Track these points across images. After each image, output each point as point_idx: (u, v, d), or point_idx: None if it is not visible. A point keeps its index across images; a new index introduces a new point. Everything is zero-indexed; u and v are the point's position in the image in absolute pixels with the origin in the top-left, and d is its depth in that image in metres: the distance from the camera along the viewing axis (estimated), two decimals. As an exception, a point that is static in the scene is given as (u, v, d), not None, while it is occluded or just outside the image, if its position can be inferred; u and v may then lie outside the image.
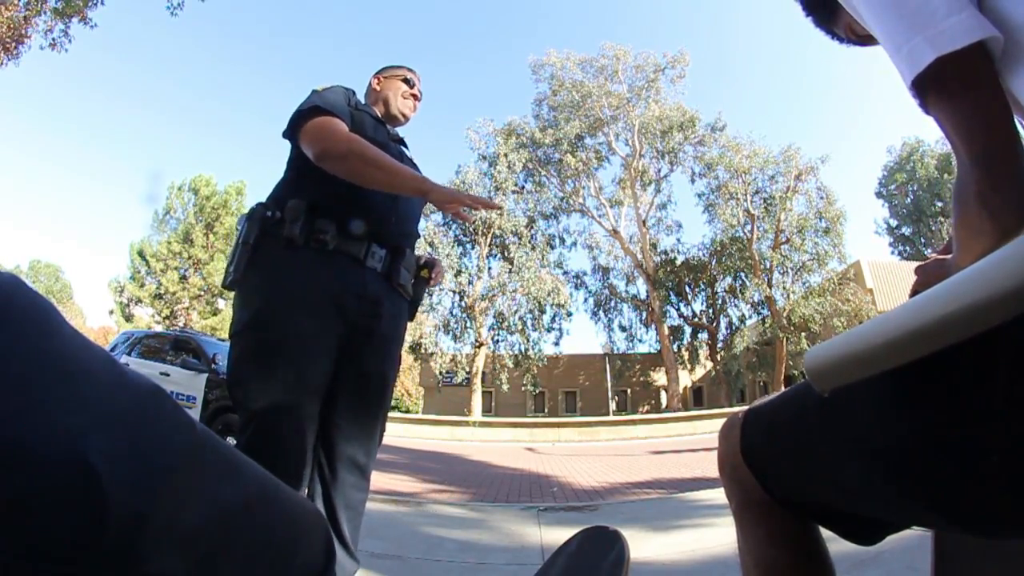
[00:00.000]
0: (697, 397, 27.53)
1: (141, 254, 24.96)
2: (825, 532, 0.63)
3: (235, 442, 1.12)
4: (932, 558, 0.68)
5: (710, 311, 23.52)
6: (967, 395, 0.43)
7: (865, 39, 0.73)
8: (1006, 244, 0.48)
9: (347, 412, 1.30)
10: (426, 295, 1.50)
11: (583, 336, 79.49)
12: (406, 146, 1.59)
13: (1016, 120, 0.51)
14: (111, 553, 0.26)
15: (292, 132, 1.30)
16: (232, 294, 1.28)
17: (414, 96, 1.56)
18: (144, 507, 0.27)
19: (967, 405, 0.43)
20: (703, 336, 23.64)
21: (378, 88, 1.56)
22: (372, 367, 1.32)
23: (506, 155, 21.83)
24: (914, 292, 0.64)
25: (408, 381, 28.61)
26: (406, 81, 1.55)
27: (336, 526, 1.28)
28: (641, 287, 23.76)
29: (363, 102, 1.52)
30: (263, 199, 1.33)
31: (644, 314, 23.76)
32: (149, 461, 0.29)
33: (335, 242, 1.24)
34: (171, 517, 0.29)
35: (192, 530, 0.31)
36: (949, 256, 0.58)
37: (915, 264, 0.64)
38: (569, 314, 23.03)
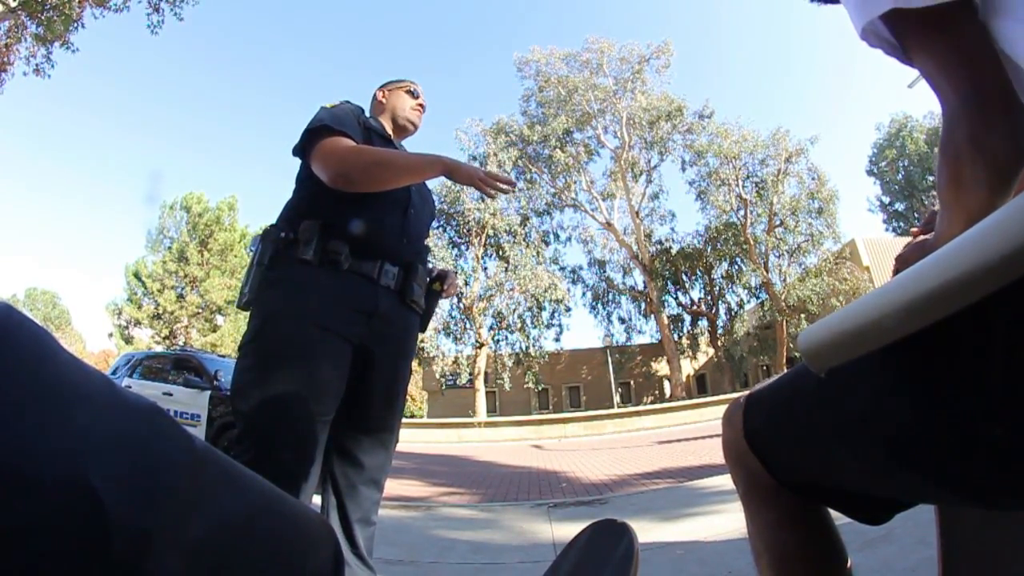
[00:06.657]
0: (700, 384, 27.56)
1: (137, 275, 24.87)
2: (834, 512, 0.63)
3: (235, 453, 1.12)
4: (937, 532, 0.68)
5: (708, 298, 23.56)
6: (965, 366, 0.42)
7: None
8: (1002, 194, 0.47)
9: (361, 426, 1.32)
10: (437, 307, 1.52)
11: (583, 330, 79.52)
12: None
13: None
14: (117, 572, 0.27)
15: (303, 151, 1.30)
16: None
17: (420, 107, 1.60)
18: (147, 524, 0.28)
19: (966, 377, 0.42)
20: (703, 323, 23.68)
21: (384, 100, 1.58)
22: (385, 381, 1.34)
23: (496, 154, 21.75)
24: (896, 272, 0.64)
25: (411, 386, 28.59)
26: (410, 92, 1.59)
27: (351, 537, 1.28)
28: (638, 278, 23.81)
29: (370, 116, 1.52)
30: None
31: (643, 305, 23.79)
32: (149, 479, 0.29)
33: (348, 262, 1.25)
34: (175, 532, 0.29)
35: (197, 543, 0.31)
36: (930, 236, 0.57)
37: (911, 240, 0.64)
38: (568, 309, 23.09)
